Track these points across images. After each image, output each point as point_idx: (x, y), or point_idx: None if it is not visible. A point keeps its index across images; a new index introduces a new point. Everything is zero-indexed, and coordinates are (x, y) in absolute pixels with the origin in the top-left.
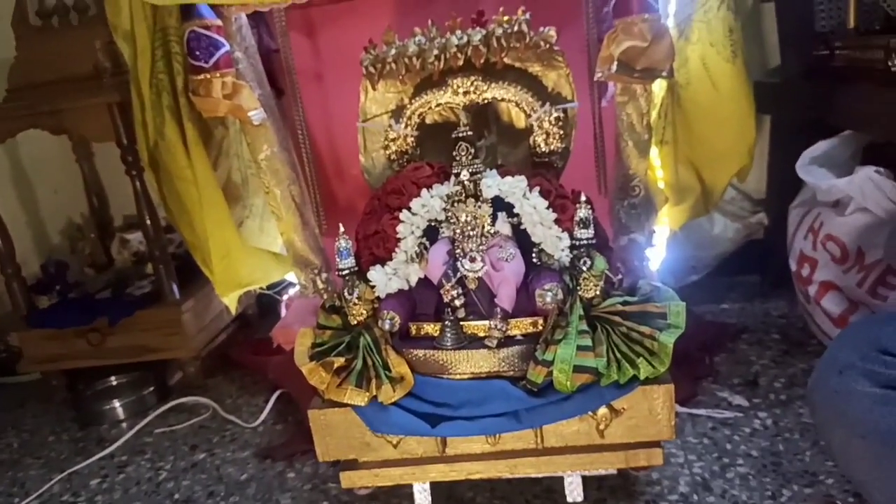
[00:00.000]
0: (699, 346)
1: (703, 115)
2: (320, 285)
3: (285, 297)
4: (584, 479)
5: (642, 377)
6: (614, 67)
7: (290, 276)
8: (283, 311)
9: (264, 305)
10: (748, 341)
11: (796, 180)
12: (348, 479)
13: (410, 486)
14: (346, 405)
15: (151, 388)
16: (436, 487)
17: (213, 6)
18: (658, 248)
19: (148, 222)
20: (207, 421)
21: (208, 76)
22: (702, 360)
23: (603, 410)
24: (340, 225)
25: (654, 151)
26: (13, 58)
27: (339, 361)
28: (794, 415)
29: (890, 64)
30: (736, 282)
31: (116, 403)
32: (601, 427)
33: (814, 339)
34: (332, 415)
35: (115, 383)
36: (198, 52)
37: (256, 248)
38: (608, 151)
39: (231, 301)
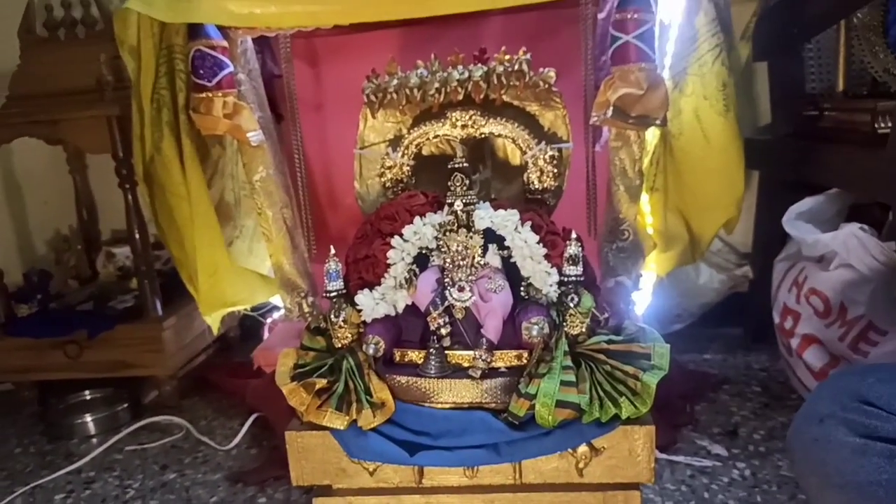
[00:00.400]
0: (680, 395)
1: (694, 166)
2: (306, 309)
3: (269, 321)
4: None
5: (624, 416)
6: (609, 112)
7: (275, 300)
8: (266, 334)
9: (247, 329)
10: (729, 392)
11: (782, 235)
12: None
13: None
14: (324, 428)
15: (125, 405)
16: None
17: (220, 28)
18: (644, 293)
19: (137, 237)
20: (180, 441)
21: (210, 95)
22: (682, 409)
23: (583, 448)
24: (332, 247)
25: (644, 198)
26: (15, 67)
27: (321, 383)
28: (773, 467)
29: (876, 126)
30: (719, 333)
31: (88, 418)
32: (580, 465)
33: (794, 394)
34: (310, 438)
35: (88, 398)
36: (202, 71)
37: (244, 268)
38: (599, 195)
39: (214, 321)
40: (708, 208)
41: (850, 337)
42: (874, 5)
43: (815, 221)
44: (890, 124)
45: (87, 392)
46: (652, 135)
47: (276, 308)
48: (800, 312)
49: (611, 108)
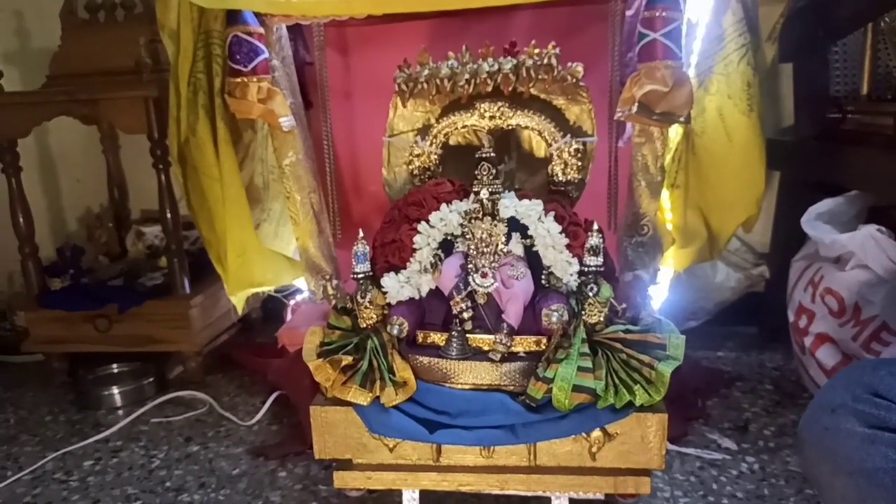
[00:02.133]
0: (693, 389)
1: (716, 164)
2: (329, 291)
3: (292, 302)
4: (571, 502)
5: (638, 404)
6: (634, 108)
7: (299, 282)
8: (289, 316)
9: (268, 311)
10: (741, 389)
11: (800, 236)
12: (341, 479)
13: (400, 493)
14: (348, 404)
15: (151, 379)
16: (424, 497)
17: (257, 15)
18: (661, 288)
19: (168, 216)
20: (204, 416)
21: (245, 79)
22: (694, 403)
23: (597, 433)
24: (360, 230)
25: (665, 194)
26: (56, 47)
27: (347, 360)
28: (782, 462)
29: None
30: (734, 331)
31: (115, 390)
32: (594, 449)
33: (806, 392)
34: (333, 413)
35: (116, 371)
36: (238, 56)
37: (270, 250)
38: (621, 189)
39: (239, 301)
40: (728, 206)
41: (864, 337)
42: None
43: (833, 222)
44: None
45: (114, 365)
46: (675, 132)
47: (298, 290)
48: (814, 311)
49: (636, 104)
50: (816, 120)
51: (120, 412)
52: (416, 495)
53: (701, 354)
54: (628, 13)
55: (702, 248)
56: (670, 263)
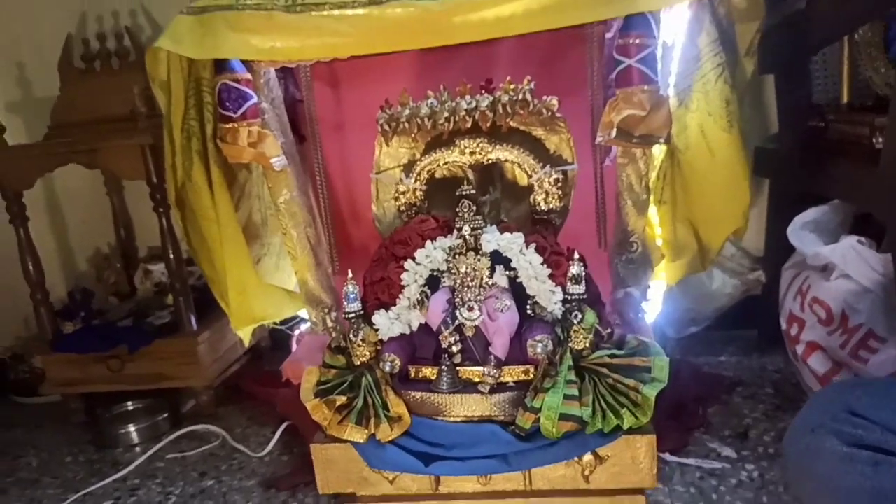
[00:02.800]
0: (694, 397)
1: (701, 179)
2: (329, 323)
3: (296, 333)
4: None
5: (625, 427)
6: (614, 133)
7: (303, 313)
8: (294, 346)
9: (277, 338)
10: (742, 394)
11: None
12: None
13: None
14: (346, 441)
15: (165, 415)
16: None
17: (244, 61)
18: (654, 302)
19: (171, 256)
20: (217, 449)
21: (236, 125)
22: (696, 411)
23: (588, 457)
24: (349, 271)
25: (653, 210)
26: (56, 97)
27: (342, 400)
28: (781, 468)
29: (874, 141)
30: (734, 336)
31: (132, 428)
32: (586, 473)
33: (806, 396)
34: (333, 450)
35: (131, 408)
36: (227, 103)
37: (271, 285)
38: (609, 208)
39: (245, 334)
40: (716, 219)
41: (851, 344)
42: (875, 22)
43: (819, 231)
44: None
45: (129, 403)
46: (659, 150)
47: (303, 320)
48: (804, 320)
49: (615, 128)
50: (799, 129)
51: (137, 449)
52: None
53: (702, 360)
54: (608, 35)
55: (693, 260)
56: (662, 277)
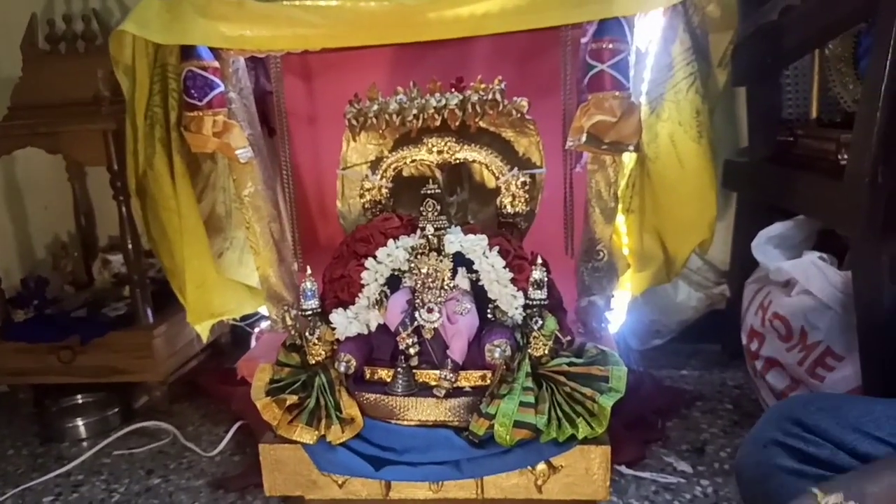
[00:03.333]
0: (654, 410)
1: (669, 189)
2: (290, 321)
3: (256, 330)
4: None
5: (580, 437)
6: (583, 138)
7: (264, 310)
8: (253, 344)
9: (238, 335)
10: (702, 409)
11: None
12: None
13: None
14: (295, 442)
15: (116, 410)
16: None
17: (212, 49)
18: (618, 312)
19: (129, 246)
20: (167, 446)
21: (201, 114)
22: (655, 424)
23: (541, 466)
24: (308, 267)
25: (620, 219)
26: (18, 77)
27: (293, 399)
28: (735, 485)
29: (839, 157)
30: (697, 349)
31: (80, 422)
32: (539, 482)
33: (763, 412)
34: (282, 451)
35: (80, 402)
36: (193, 91)
37: (231, 280)
38: (577, 215)
39: (202, 329)
40: (682, 230)
41: (809, 361)
42: (846, 37)
43: (783, 247)
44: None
45: (79, 396)
46: (629, 158)
47: (263, 317)
48: (764, 335)
49: (584, 134)
50: (769, 142)
51: (84, 444)
52: None
53: (665, 373)
54: (583, 40)
55: (658, 271)
56: (627, 287)
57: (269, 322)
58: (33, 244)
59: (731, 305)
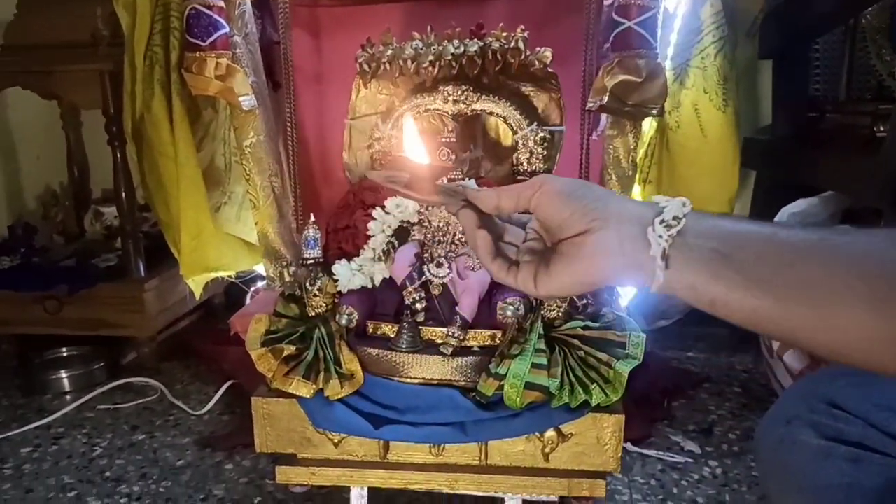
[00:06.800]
0: (660, 390)
1: (689, 160)
2: (287, 279)
3: (252, 289)
4: (524, 503)
5: (594, 403)
6: (606, 99)
7: (260, 268)
8: (248, 302)
9: (232, 296)
10: (709, 391)
11: None
12: (284, 474)
13: (348, 490)
14: (291, 396)
15: (102, 364)
16: (373, 494)
17: None
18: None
19: (123, 195)
20: (154, 403)
21: (203, 54)
22: (660, 403)
23: (550, 433)
24: (311, 214)
25: (636, 189)
26: (13, 16)
27: (290, 350)
28: (745, 467)
29: (875, 130)
30: (705, 332)
31: (63, 374)
32: (547, 450)
33: (774, 396)
34: (276, 405)
35: (65, 354)
36: (196, 30)
37: (228, 234)
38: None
39: (196, 285)
40: (700, 204)
41: None
42: (882, 7)
43: (807, 223)
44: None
45: (63, 349)
46: (649, 125)
47: (260, 277)
48: None
49: (607, 94)
50: (794, 119)
51: (67, 397)
52: (365, 492)
53: (671, 354)
54: (606, 2)
55: None
56: None
57: (265, 280)
58: (24, 195)
59: None
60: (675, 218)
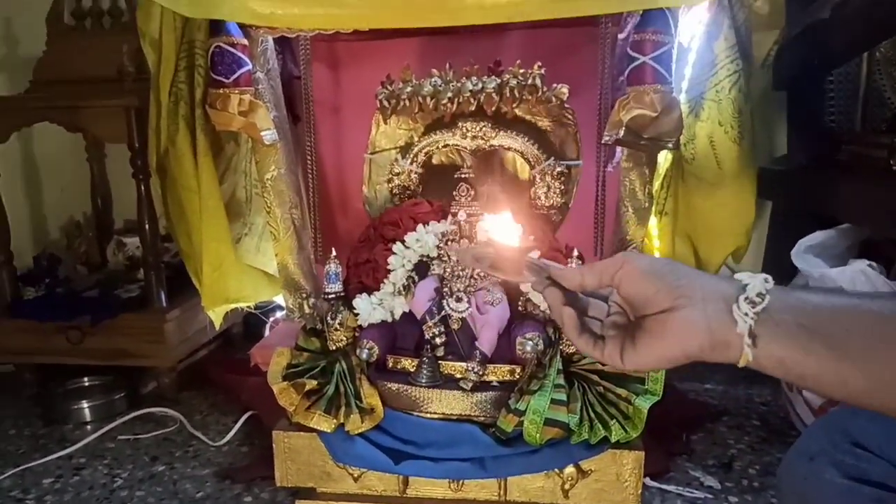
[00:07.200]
0: (678, 423)
1: (706, 192)
2: (307, 310)
3: (271, 319)
4: None
5: (613, 440)
6: (622, 133)
7: (279, 299)
8: (268, 333)
9: (250, 326)
10: (727, 424)
11: (791, 268)
12: None
13: None
14: (311, 430)
15: (123, 394)
16: None
17: (241, 26)
18: None
19: (147, 227)
20: (173, 434)
21: (227, 91)
22: (679, 437)
23: (570, 469)
24: (333, 249)
25: (653, 221)
26: (42, 52)
27: (311, 384)
28: (766, 502)
29: (892, 163)
30: (721, 365)
31: (85, 404)
32: (566, 486)
33: (794, 430)
34: (297, 439)
35: (87, 384)
36: (220, 67)
37: (249, 265)
38: (608, 215)
39: (216, 315)
40: (717, 235)
41: None
42: None
43: (824, 256)
44: None
45: (85, 379)
46: (664, 158)
47: (279, 307)
48: None
49: (623, 128)
50: (810, 150)
51: (88, 427)
52: None
53: (688, 387)
54: (620, 36)
55: None
56: None
57: (284, 312)
58: (48, 225)
59: None
60: (759, 295)
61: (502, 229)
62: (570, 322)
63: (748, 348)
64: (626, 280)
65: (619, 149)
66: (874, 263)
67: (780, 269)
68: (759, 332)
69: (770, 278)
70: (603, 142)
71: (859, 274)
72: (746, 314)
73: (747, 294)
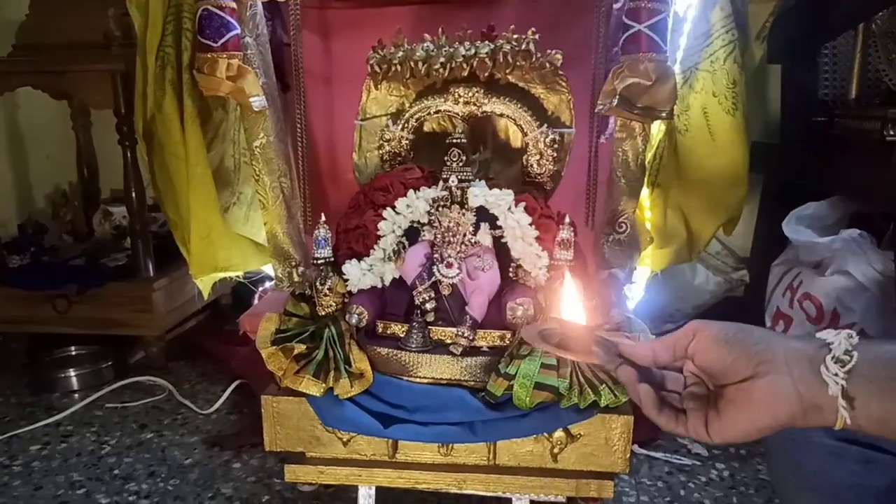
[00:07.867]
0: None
1: (698, 164)
2: (296, 279)
3: (260, 289)
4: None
5: (603, 404)
6: (615, 101)
7: (268, 269)
8: (257, 302)
9: (239, 296)
10: None
11: (781, 241)
12: (293, 472)
13: (355, 489)
14: (301, 394)
15: (110, 363)
16: (381, 493)
17: None
18: (637, 287)
19: (133, 195)
20: (162, 402)
21: (215, 55)
22: None
23: (559, 433)
24: (322, 214)
25: (645, 192)
26: (24, 16)
27: (300, 348)
28: (752, 470)
29: (885, 134)
30: None
31: (72, 373)
32: (555, 451)
33: None
34: (286, 403)
35: (74, 353)
36: (208, 31)
37: (238, 234)
38: (600, 186)
39: (204, 285)
40: (709, 207)
41: None
42: (893, 11)
43: (815, 227)
44: None
45: (72, 348)
46: (657, 129)
47: (268, 277)
48: (792, 317)
49: (617, 96)
50: (803, 123)
51: (75, 396)
52: (373, 492)
53: None
54: (615, 6)
55: (680, 249)
56: (647, 263)
57: (272, 281)
58: (34, 195)
59: (750, 291)
60: (846, 353)
61: (568, 306)
62: (647, 400)
63: (844, 410)
64: (701, 351)
65: (612, 119)
66: (865, 233)
67: (771, 241)
68: (854, 392)
69: (854, 333)
70: (596, 111)
71: (850, 242)
72: (837, 374)
73: (834, 353)
